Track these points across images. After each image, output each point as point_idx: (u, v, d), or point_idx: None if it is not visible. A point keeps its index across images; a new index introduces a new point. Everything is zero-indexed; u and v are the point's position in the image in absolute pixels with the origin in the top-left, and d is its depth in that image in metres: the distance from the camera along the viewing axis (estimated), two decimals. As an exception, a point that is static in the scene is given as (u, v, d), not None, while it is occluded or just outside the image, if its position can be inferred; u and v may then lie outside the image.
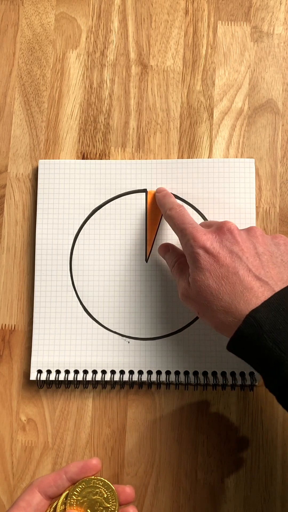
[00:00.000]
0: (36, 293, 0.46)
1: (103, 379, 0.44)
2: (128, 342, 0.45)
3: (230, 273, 0.34)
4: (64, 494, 0.32)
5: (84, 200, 0.47)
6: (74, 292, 0.46)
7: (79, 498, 0.32)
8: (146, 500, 0.44)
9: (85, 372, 0.44)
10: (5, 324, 0.46)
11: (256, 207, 0.46)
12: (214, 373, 0.44)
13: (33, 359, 0.45)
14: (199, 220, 0.46)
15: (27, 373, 0.45)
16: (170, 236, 0.46)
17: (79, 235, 0.46)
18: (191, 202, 0.46)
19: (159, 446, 0.44)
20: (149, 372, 0.44)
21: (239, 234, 0.36)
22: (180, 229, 0.39)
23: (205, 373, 0.44)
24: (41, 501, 0.32)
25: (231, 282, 0.33)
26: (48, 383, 0.45)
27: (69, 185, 0.47)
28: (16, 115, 0.49)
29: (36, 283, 0.46)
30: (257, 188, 0.47)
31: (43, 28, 0.49)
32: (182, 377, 0.44)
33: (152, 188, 0.46)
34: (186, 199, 0.46)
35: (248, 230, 0.37)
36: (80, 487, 0.32)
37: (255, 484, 0.43)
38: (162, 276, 0.45)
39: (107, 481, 0.33)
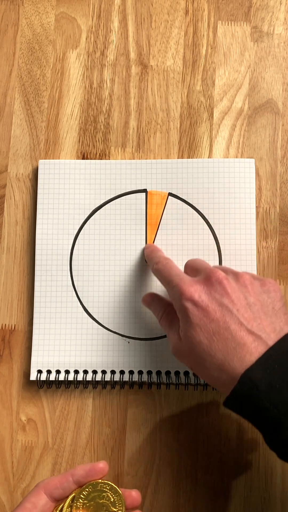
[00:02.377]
0: (36, 293, 0.46)
1: (103, 379, 0.44)
2: (128, 342, 0.45)
3: (221, 328, 0.32)
4: (70, 497, 0.32)
5: (84, 200, 0.47)
6: (74, 292, 0.46)
7: (85, 501, 0.32)
8: (146, 500, 0.44)
9: (85, 372, 0.44)
10: (5, 324, 0.46)
11: (256, 207, 0.46)
12: (214, 373, 0.44)
13: (33, 359, 0.45)
14: (199, 219, 0.46)
15: (27, 373, 0.45)
16: (170, 236, 0.46)
17: (79, 235, 0.46)
18: (191, 202, 0.46)
19: (159, 446, 0.44)
20: (149, 372, 0.44)
21: (228, 284, 0.34)
22: (167, 282, 0.37)
23: (205, 373, 0.44)
24: (46, 503, 0.32)
25: (223, 338, 0.32)
26: (48, 383, 0.45)
27: (69, 185, 0.47)
28: (16, 115, 0.49)
29: (36, 283, 0.46)
30: (257, 188, 0.47)
31: (43, 28, 0.49)
32: (182, 377, 0.44)
33: (152, 188, 0.46)
34: (186, 199, 0.46)
35: (237, 278, 0.35)
36: (87, 491, 0.32)
37: (255, 484, 0.43)
38: (162, 276, 0.45)
39: (114, 485, 0.32)
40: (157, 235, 0.46)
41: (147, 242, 0.46)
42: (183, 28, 0.49)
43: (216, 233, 0.46)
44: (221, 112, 0.48)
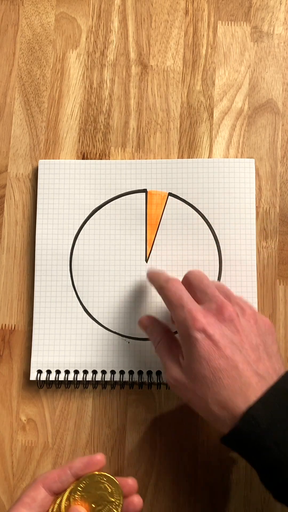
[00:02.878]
0: (36, 293, 0.46)
1: (103, 379, 0.44)
2: (128, 342, 0.45)
3: (229, 366, 0.32)
4: (68, 490, 0.32)
5: (84, 200, 0.47)
6: (74, 292, 0.46)
7: (83, 493, 0.32)
8: (146, 500, 0.44)
9: (85, 372, 0.44)
10: (5, 324, 0.46)
11: (256, 207, 0.46)
12: (214, 373, 0.44)
13: (33, 359, 0.45)
14: (199, 219, 0.46)
15: (27, 373, 0.45)
16: (170, 236, 0.46)
17: (79, 235, 0.46)
18: (191, 202, 0.46)
19: (159, 446, 0.44)
20: (149, 372, 0.44)
21: (239, 322, 0.34)
22: (177, 305, 0.35)
23: (205, 373, 0.44)
24: (45, 496, 0.32)
25: (230, 376, 0.31)
26: (48, 383, 0.45)
27: (69, 185, 0.47)
28: (16, 115, 0.49)
29: (36, 283, 0.46)
30: (257, 188, 0.47)
31: (43, 28, 0.49)
32: (182, 377, 0.44)
33: (152, 188, 0.46)
34: (186, 199, 0.46)
35: (243, 313, 0.36)
36: (84, 483, 0.32)
37: (255, 484, 0.43)
38: (162, 276, 0.45)
39: (111, 476, 0.33)
40: (157, 235, 0.46)
41: (147, 242, 0.46)
42: (183, 28, 0.49)
43: (216, 233, 0.46)
44: (221, 112, 0.48)
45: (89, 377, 0.44)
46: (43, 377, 0.44)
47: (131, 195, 0.47)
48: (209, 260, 0.45)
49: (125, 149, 0.48)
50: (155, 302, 0.45)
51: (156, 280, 0.40)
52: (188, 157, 0.47)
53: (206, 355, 0.32)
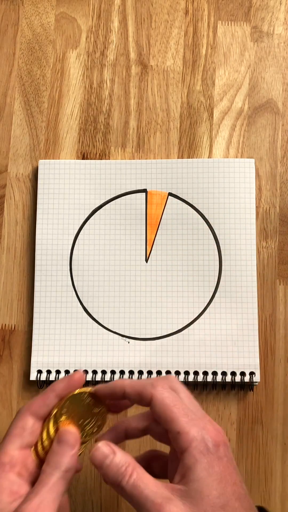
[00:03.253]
0: (36, 293, 0.46)
1: (103, 379, 0.44)
2: (128, 342, 0.45)
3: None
4: (53, 414, 0.31)
5: (84, 200, 0.47)
6: (74, 292, 0.46)
7: (68, 414, 0.31)
8: (146, 500, 0.43)
9: (85, 372, 0.44)
10: (5, 324, 0.46)
11: (256, 207, 0.46)
12: (214, 373, 0.44)
13: (33, 359, 0.45)
14: (199, 219, 0.46)
15: (27, 373, 0.45)
16: (170, 236, 0.46)
17: (79, 235, 0.46)
18: (191, 202, 0.46)
19: (159, 446, 0.44)
20: (149, 372, 0.44)
21: None
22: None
23: (205, 373, 0.44)
24: (34, 423, 0.31)
25: None
26: (48, 383, 0.45)
27: (69, 185, 0.47)
28: (16, 115, 0.49)
29: (36, 283, 0.46)
30: (257, 188, 0.47)
31: (43, 28, 0.49)
32: (182, 377, 0.44)
33: (152, 188, 0.46)
34: (186, 199, 0.46)
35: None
36: (67, 404, 0.31)
37: (255, 484, 0.43)
38: (162, 276, 0.45)
39: (87, 389, 0.32)
40: (157, 235, 0.46)
41: (147, 242, 0.46)
42: (183, 28, 0.49)
43: (216, 233, 0.46)
44: (221, 112, 0.48)
45: (89, 377, 0.44)
46: (43, 377, 0.44)
47: (131, 195, 0.47)
48: (209, 260, 0.45)
49: (125, 149, 0.48)
50: (155, 302, 0.45)
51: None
52: (188, 157, 0.47)
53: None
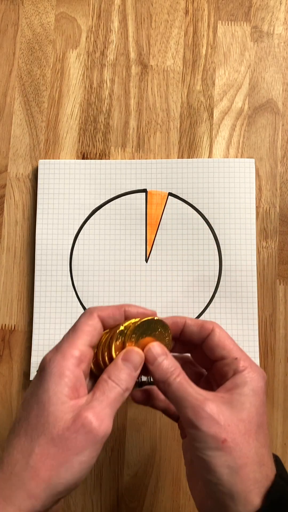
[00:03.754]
0: (36, 293, 0.45)
1: (103, 379, 0.44)
2: (128, 342, 0.45)
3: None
4: (119, 331, 0.30)
5: (84, 200, 0.47)
6: (74, 292, 0.46)
7: (136, 336, 0.30)
8: (146, 500, 0.44)
9: (85, 372, 0.44)
10: (5, 324, 0.46)
11: (256, 207, 0.46)
12: (214, 373, 0.44)
13: (33, 359, 0.45)
14: (199, 219, 0.46)
15: (27, 373, 0.45)
16: (170, 236, 0.46)
17: (79, 235, 0.46)
18: (191, 202, 0.46)
19: (159, 446, 0.44)
20: (149, 372, 0.44)
21: None
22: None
23: (205, 373, 0.44)
24: (101, 328, 0.30)
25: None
26: (48, 383, 0.45)
27: (69, 185, 0.47)
28: (16, 115, 0.49)
29: (36, 283, 0.46)
30: (257, 188, 0.47)
31: (43, 28, 0.49)
32: (182, 377, 0.44)
33: (152, 188, 0.46)
34: (186, 199, 0.46)
35: None
36: (139, 324, 0.30)
37: (255, 484, 0.43)
38: (162, 276, 0.45)
39: (163, 320, 0.31)
40: (157, 235, 0.46)
41: (147, 242, 0.46)
42: (183, 28, 0.49)
43: (216, 233, 0.46)
44: (221, 112, 0.48)
45: (89, 377, 0.44)
46: (43, 377, 0.44)
47: (131, 195, 0.47)
48: (209, 260, 0.45)
49: (125, 149, 0.48)
50: (155, 302, 0.45)
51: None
52: (188, 157, 0.47)
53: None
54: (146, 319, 0.31)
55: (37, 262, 0.46)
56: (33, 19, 0.50)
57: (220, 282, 0.45)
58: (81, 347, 0.28)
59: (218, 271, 0.45)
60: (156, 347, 0.30)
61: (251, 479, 0.26)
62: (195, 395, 0.27)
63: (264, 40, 0.49)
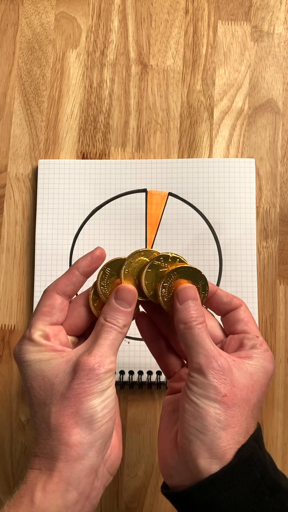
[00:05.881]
0: (36, 293, 0.45)
1: (103, 379, 0.44)
2: (128, 342, 0.45)
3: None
4: (101, 273, 0.30)
5: (84, 200, 0.47)
6: (74, 292, 0.45)
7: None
8: (146, 500, 0.43)
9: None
10: (5, 324, 0.46)
11: (256, 207, 0.46)
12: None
13: (33, 359, 0.45)
14: (199, 219, 0.46)
15: (27, 373, 0.45)
16: (170, 236, 0.46)
17: (79, 235, 0.46)
18: (191, 202, 0.46)
19: (159, 446, 0.44)
20: (149, 373, 0.44)
21: None
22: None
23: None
24: (62, 301, 0.30)
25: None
26: (48, 383, 0.45)
27: (69, 185, 0.47)
28: (16, 115, 0.49)
29: (36, 283, 0.46)
30: (257, 188, 0.47)
31: (43, 28, 0.49)
32: (182, 377, 0.44)
33: (152, 188, 0.46)
34: (186, 199, 0.46)
35: None
36: (186, 267, 0.30)
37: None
38: (162, 276, 0.45)
39: (206, 279, 0.31)
40: (157, 235, 0.46)
41: (147, 242, 0.46)
42: (183, 28, 0.49)
43: (216, 233, 0.46)
44: (221, 112, 0.48)
45: (89, 377, 0.44)
46: (43, 377, 0.44)
47: (131, 195, 0.47)
48: (209, 260, 0.45)
49: (125, 149, 0.48)
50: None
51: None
52: (188, 157, 0.47)
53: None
54: (194, 267, 0.31)
55: (37, 262, 0.46)
56: (33, 19, 0.49)
57: (220, 282, 0.45)
58: (43, 328, 0.29)
59: (218, 271, 0.45)
60: (192, 290, 0.30)
61: (234, 439, 0.27)
62: (211, 346, 0.28)
63: (264, 39, 0.48)
